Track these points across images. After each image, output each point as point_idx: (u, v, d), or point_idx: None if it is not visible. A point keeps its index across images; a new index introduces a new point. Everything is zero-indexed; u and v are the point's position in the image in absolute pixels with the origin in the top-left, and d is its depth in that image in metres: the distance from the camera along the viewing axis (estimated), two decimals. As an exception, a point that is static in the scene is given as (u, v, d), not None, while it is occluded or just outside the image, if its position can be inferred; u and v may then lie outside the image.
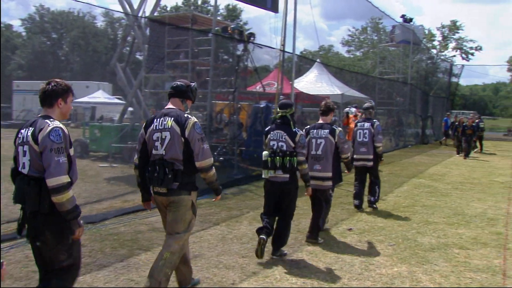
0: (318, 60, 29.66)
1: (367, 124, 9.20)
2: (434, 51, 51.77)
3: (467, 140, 20.77)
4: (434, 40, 55.76)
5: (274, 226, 6.09)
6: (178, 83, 4.68)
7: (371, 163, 9.12)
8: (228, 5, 58.14)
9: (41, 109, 3.79)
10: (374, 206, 9.25)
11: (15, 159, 3.71)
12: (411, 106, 29.06)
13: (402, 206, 9.70)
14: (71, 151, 3.72)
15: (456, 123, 23.62)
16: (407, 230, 7.73)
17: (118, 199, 9.20)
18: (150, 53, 13.15)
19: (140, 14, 13.77)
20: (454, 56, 55.38)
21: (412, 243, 6.94)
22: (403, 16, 31.62)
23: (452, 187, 12.51)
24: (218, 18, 26.28)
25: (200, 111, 14.60)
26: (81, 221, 3.71)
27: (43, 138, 3.53)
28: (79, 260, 3.84)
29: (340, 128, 7.01)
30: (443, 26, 55.56)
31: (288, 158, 5.92)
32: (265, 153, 6.03)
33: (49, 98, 3.73)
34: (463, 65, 45.14)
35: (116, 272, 5.34)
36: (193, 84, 4.76)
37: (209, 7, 55.00)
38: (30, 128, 3.64)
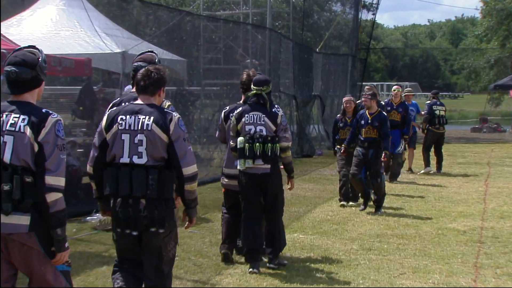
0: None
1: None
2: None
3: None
4: None
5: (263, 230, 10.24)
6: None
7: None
8: None
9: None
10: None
11: (103, 146, 7.01)
12: (275, 77, 28.81)
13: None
14: None
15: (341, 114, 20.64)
16: None
17: None
18: None
19: None
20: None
21: None
22: None
23: (361, 246, 12.25)
24: None
25: None
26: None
27: (175, 128, 6.84)
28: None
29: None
30: None
31: (269, 144, 9.64)
32: (240, 139, 9.73)
33: (152, 86, 7.02)
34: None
35: None
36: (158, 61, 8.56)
37: None
38: (140, 115, 6.87)
